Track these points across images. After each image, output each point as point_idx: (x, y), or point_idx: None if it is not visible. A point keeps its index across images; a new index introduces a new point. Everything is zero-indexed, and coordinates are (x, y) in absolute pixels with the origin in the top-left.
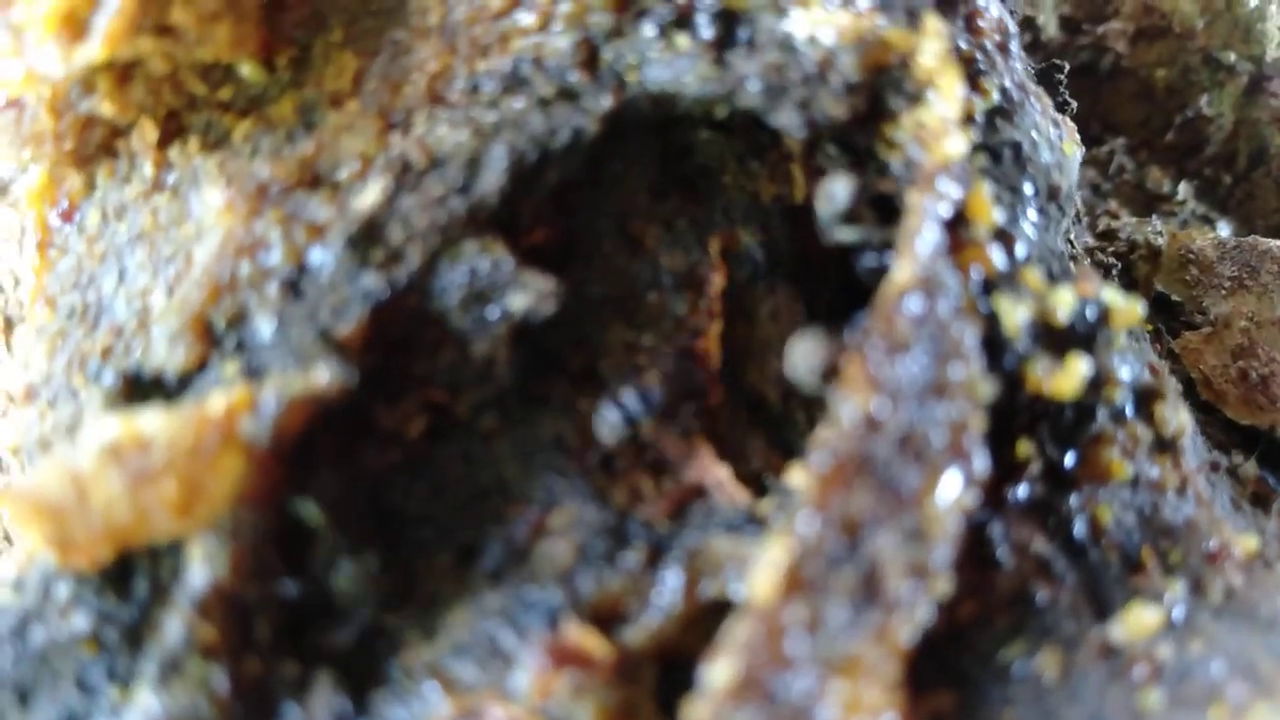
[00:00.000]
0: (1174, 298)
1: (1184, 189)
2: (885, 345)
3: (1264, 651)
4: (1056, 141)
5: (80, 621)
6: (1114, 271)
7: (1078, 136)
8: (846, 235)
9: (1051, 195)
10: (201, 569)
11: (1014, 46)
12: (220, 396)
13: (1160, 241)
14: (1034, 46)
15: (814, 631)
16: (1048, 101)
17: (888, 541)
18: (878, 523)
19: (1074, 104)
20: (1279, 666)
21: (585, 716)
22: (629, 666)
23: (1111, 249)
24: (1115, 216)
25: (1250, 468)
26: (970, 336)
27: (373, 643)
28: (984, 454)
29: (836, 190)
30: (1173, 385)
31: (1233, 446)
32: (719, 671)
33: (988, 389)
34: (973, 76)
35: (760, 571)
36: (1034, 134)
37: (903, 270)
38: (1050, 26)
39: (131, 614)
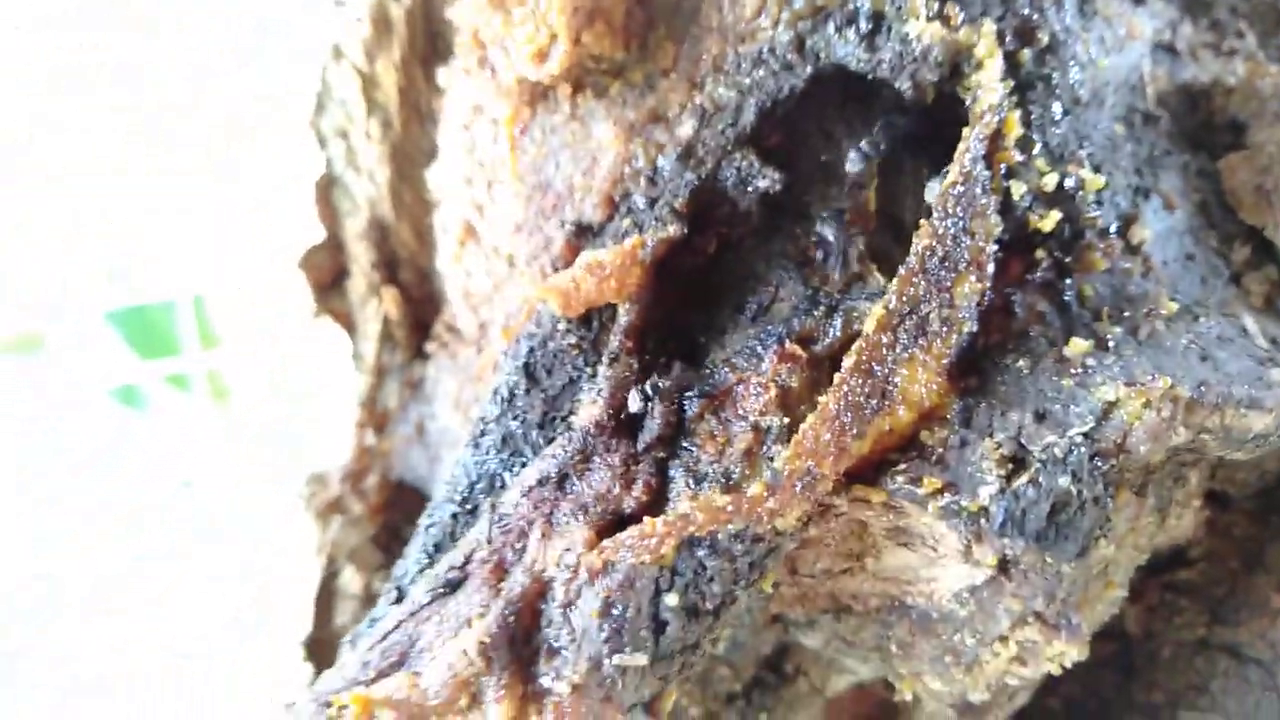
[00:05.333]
0: (1242, 122)
1: None
2: (939, 213)
3: (1148, 361)
4: (1090, 60)
5: (571, 339)
6: (1200, 102)
7: (1141, 28)
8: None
9: (1075, 101)
10: (624, 316)
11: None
12: (630, 241)
13: (1234, 80)
14: None
15: (893, 347)
16: (1094, 27)
17: (931, 308)
18: (928, 299)
19: None
20: (1148, 368)
21: (796, 382)
22: (816, 362)
23: (1200, 86)
24: (1241, 35)
25: (1245, 252)
26: (992, 202)
27: (696, 352)
28: (993, 263)
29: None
30: (1152, 209)
31: (1238, 238)
32: (848, 360)
33: (997, 229)
34: (1031, 30)
35: (869, 319)
36: (1070, 62)
37: (952, 173)
38: None
39: (593, 336)
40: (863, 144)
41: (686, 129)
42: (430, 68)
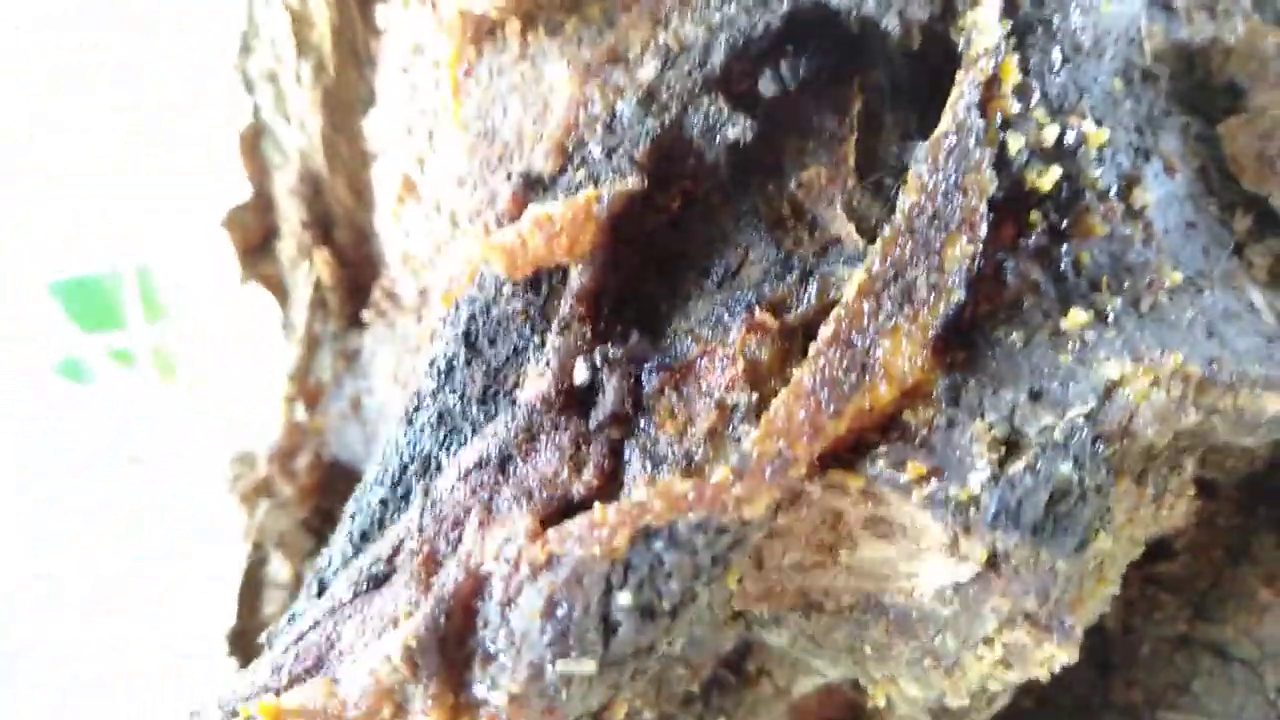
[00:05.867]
0: (1241, 85)
1: None
2: (929, 166)
3: (1151, 336)
4: (1093, 4)
5: (517, 304)
6: (1197, 62)
7: None
8: None
9: (1076, 49)
10: (577, 279)
11: None
12: (584, 194)
13: (1233, 40)
14: None
15: (875, 315)
16: None
17: (918, 272)
18: (916, 262)
19: None
20: (1152, 344)
21: (766, 354)
22: (788, 332)
23: (1198, 45)
24: None
25: (1248, 221)
26: (987, 156)
27: (656, 321)
28: (986, 224)
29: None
30: (1153, 171)
31: (1239, 207)
32: (825, 330)
33: (992, 186)
34: None
35: (850, 284)
36: (1072, 4)
37: (944, 122)
38: None
39: (541, 301)
40: (783, 66)
41: (648, 71)
42: (368, 5)
